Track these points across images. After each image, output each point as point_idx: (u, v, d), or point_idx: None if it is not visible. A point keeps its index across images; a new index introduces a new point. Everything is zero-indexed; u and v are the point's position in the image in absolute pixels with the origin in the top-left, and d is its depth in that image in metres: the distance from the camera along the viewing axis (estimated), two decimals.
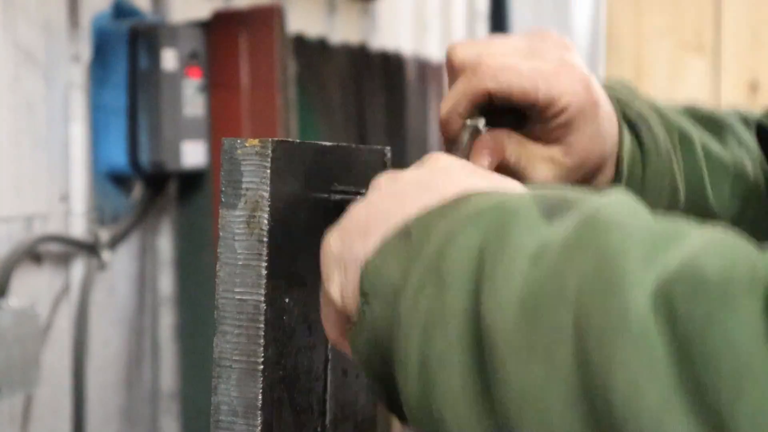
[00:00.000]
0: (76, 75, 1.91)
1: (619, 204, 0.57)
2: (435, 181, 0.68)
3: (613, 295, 0.51)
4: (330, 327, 0.72)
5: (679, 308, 0.50)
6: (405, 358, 0.60)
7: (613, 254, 0.53)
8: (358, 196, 0.80)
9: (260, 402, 0.74)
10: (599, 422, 0.51)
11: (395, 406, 0.66)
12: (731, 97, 4.44)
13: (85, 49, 1.93)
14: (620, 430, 0.50)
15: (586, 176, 0.89)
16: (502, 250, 0.58)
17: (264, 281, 0.74)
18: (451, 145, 0.89)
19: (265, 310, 0.74)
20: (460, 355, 0.58)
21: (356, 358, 0.67)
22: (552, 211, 0.59)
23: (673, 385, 0.49)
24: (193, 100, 2.02)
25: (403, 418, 0.66)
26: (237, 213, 0.74)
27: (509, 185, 0.68)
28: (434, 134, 3.23)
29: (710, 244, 0.52)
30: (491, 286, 0.57)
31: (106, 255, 1.93)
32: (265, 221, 0.73)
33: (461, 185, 0.66)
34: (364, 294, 0.64)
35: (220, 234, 0.74)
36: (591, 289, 0.52)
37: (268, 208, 0.73)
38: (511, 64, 0.85)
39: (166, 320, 2.16)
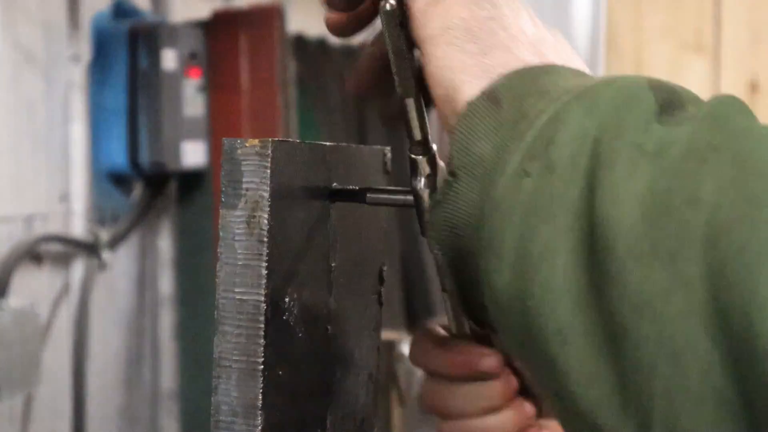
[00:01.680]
0: (76, 75, 1.91)
1: (736, 106, 0.53)
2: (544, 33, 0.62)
3: (760, 208, 0.47)
4: None
5: None
6: (499, 244, 0.54)
7: (755, 163, 0.48)
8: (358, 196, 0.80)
9: (260, 402, 0.74)
10: (730, 337, 0.47)
11: (466, 295, 0.61)
12: None
13: (85, 49, 1.93)
14: (757, 347, 0.46)
15: None
16: (622, 145, 0.52)
17: (264, 281, 0.74)
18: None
19: (265, 310, 0.74)
20: (568, 249, 0.52)
21: (432, 236, 0.61)
22: (670, 103, 0.54)
23: None
24: (193, 100, 2.02)
25: (472, 310, 0.60)
26: (237, 213, 0.74)
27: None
28: (434, 134, 3.23)
29: None
30: (610, 179, 0.51)
31: (106, 255, 1.94)
32: (265, 221, 0.73)
33: (559, 50, 0.61)
34: (451, 170, 0.59)
35: (220, 234, 0.74)
36: (733, 198, 0.48)
37: (268, 208, 0.73)
38: None
39: (166, 320, 2.16)
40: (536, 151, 0.54)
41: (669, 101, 0.54)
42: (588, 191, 0.52)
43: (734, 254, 0.47)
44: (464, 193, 0.58)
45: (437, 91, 0.63)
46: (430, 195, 0.63)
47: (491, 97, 0.58)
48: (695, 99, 0.55)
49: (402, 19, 0.65)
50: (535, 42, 0.62)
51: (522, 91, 0.57)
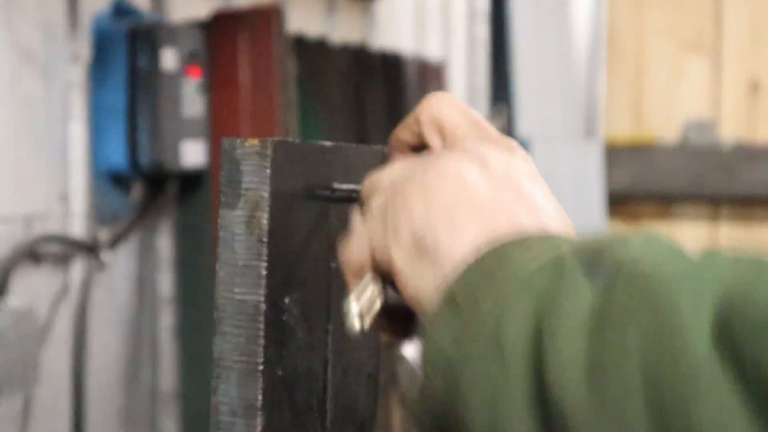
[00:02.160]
0: (75, 75, 1.91)
1: (650, 246, 0.59)
2: (500, 203, 0.68)
3: (675, 349, 0.52)
4: (354, 250, 0.72)
5: (743, 346, 0.51)
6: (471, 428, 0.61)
7: (664, 307, 0.54)
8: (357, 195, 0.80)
9: (260, 402, 0.73)
10: None
11: None
12: (732, 97, 4.44)
13: (85, 49, 1.93)
14: None
15: None
16: (557, 318, 0.58)
17: (264, 281, 0.73)
18: None
19: (265, 310, 0.73)
20: (529, 427, 0.58)
21: (420, 426, 0.68)
22: (593, 265, 0.60)
23: (750, 421, 0.50)
24: (192, 100, 2.02)
25: None
26: (237, 213, 0.74)
27: (550, 219, 0.70)
28: None
29: (747, 271, 0.54)
30: (553, 357, 0.58)
31: (105, 255, 1.93)
32: (265, 221, 0.73)
33: (506, 222, 0.67)
34: (423, 369, 0.66)
35: (220, 234, 0.74)
36: (653, 346, 0.53)
37: (268, 208, 0.73)
38: None
39: (166, 320, 2.16)
40: (489, 340, 0.61)
41: (595, 260, 0.60)
42: (537, 368, 0.58)
43: (668, 399, 0.52)
44: (436, 385, 0.65)
45: (420, 319, 0.69)
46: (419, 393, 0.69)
47: (448, 302, 0.65)
48: (618, 249, 0.61)
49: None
50: (481, 204, 0.68)
51: (474, 289, 0.64)
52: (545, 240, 0.65)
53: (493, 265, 0.64)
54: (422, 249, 0.68)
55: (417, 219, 0.68)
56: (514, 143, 0.74)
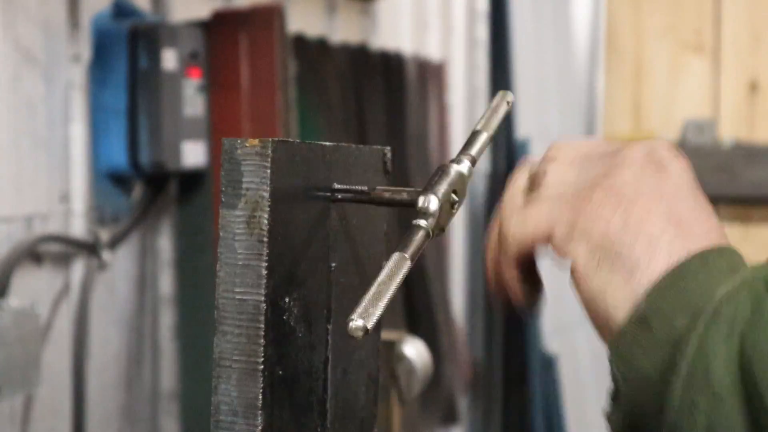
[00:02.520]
0: (76, 75, 1.91)
1: None
2: (678, 220, 0.71)
3: None
4: (530, 225, 0.74)
5: None
6: None
7: None
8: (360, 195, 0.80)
9: (260, 402, 0.73)
10: None
11: None
12: (731, 97, 4.44)
13: (85, 49, 1.93)
14: None
15: None
16: (765, 362, 0.62)
17: (264, 281, 0.73)
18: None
19: (265, 310, 0.74)
20: None
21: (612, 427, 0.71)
22: None
23: None
24: (193, 100, 2.02)
25: None
26: (237, 213, 0.74)
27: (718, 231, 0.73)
28: (434, 134, 3.23)
29: None
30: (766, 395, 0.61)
31: (106, 255, 1.93)
32: (265, 221, 0.73)
33: (691, 241, 0.70)
34: (614, 377, 0.68)
35: (220, 234, 0.74)
36: None
37: (268, 208, 0.73)
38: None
39: (166, 320, 2.16)
40: (699, 385, 0.64)
41: None
42: (751, 405, 0.62)
43: None
44: (634, 400, 0.67)
45: (590, 314, 0.72)
46: (610, 398, 0.71)
47: (640, 321, 0.67)
48: None
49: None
50: (673, 223, 0.71)
51: (667, 309, 0.67)
52: (728, 258, 0.69)
53: (682, 282, 0.67)
54: (614, 255, 0.70)
55: (613, 228, 0.70)
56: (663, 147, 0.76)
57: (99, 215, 1.98)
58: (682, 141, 4.43)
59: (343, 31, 2.79)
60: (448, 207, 0.78)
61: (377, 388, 0.89)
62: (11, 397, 1.74)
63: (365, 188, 0.81)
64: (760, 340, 0.62)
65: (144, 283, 2.13)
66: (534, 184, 0.77)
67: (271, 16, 2.12)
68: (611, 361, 0.68)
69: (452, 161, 0.83)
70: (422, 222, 0.77)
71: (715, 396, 0.63)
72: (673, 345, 0.65)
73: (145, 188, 2.06)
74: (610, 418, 0.69)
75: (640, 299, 0.68)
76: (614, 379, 0.68)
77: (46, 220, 1.85)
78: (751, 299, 0.64)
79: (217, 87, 2.09)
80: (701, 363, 0.64)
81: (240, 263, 0.74)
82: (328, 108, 2.50)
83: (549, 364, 3.65)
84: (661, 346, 0.66)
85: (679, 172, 0.75)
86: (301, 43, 2.39)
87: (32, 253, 1.81)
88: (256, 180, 0.73)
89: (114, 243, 1.97)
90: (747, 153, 4.34)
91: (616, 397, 0.68)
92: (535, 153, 3.75)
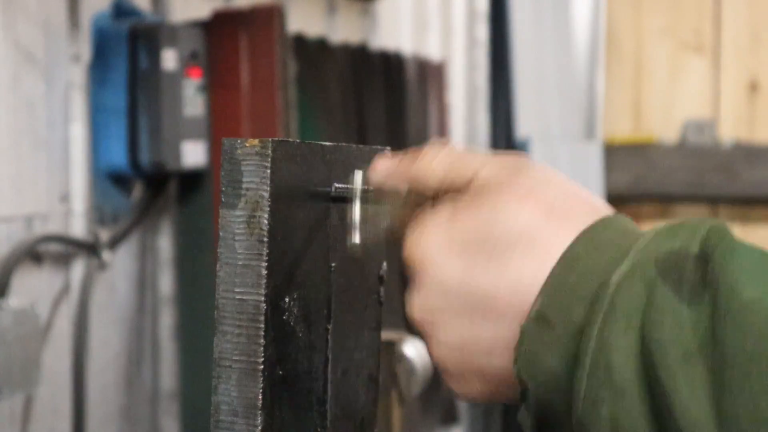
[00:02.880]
0: (76, 75, 1.91)
1: (745, 264, 0.62)
2: (542, 224, 0.69)
3: None
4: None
5: None
6: None
7: None
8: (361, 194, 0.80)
9: (260, 402, 0.73)
10: None
11: None
12: (731, 97, 4.44)
13: (85, 49, 1.93)
14: None
15: None
16: (665, 349, 0.62)
17: (264, 281, 0.73)
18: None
19: (265, 310, 0.74)
20: None
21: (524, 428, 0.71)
22: (681, 280, 0.63)
23: None
24: (193, 100, 2.02)
25: None
26: (237, 213, 0.74)
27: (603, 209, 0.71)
28: (434, 134, 3.23)
29: None
30: (672, 391, 0.61)
31: (106, 255, 1.93)
32: (265, 221, 0.73)
33: (572, 227, 0.69)
34: (521, 379, 0.68)
35: (220, 234, 0.74)
36: None
37: (268, 208, 0.73)
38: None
39: (166, 320, 2.16)
40: (600, 379, 0.63)
41: (684, 280, 0.63)
42: (651, 401, 0.62)
43: None
44: (541, 399, 0.67)
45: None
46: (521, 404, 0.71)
47: (539, 318, 0.67)
48: (711, 269, 0.64)
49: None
50: (546, 215, 0.70)
51: (563, 302, 0.66)
52: (615, 228, 0.68)
53: (575, 272, 0.67)
54: (472, 308, 0.70)
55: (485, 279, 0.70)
56: (514, 155, 0.75)
57: (99, 215, 1.98)
58: (682, 141, 4.43)
59: (343, 31, 2.79)
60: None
61: (377, 388, 0.89)
62: (11, 397, 1.74)
63: (369, 187, 0.81)
64: (656, 332, 0.62)
65: (144, 283, 2.13)
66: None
67: (271, 16, 2.12)
68: (516, 365, 0.68)
69: None
70: None
71: (617, 389, 0.63)
72: (574, 338, 0.65)
73: (145, 188, 2.06)
74: (522, 420, 0.69)
75: (536, 297, 0.67)
76: (521, 382, 0.68)
77: (46, 220, 1.85)
78: (643, 285, 0.64)
79: (217, 87, 2.09)
80: (602, 356, 0.63)
81: (240, 263, 0.74)
82: (328, 108, 2.50)
83: None
84: (563, 340, 0.66)
85: (527, 172, 0.72)
86: (301, 43, 2.39)
87: (32, 253, 1.81)
88: (256, 180, 0.73)
89: (114, 243, 1.97)
90: (747, 153, 4.34)
91: (524, 398, 0.68)
92: (535, 153, 3.75)
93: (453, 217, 0.71)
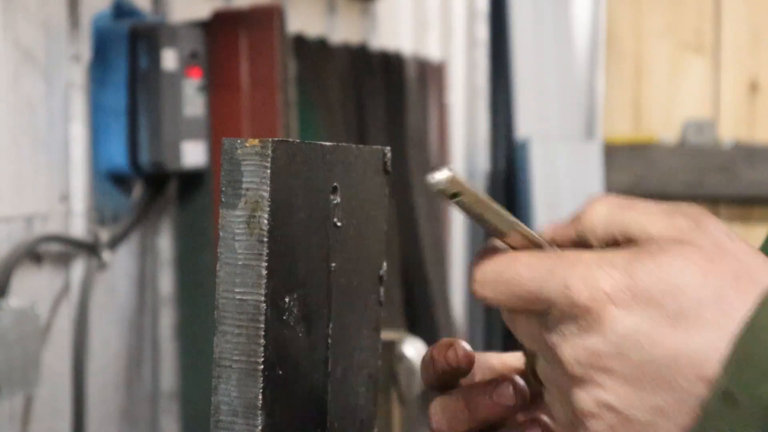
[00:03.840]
0: (76, 75, 1.91)
1: None
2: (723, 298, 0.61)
3: None
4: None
5: None
6: None
7: None
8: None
9: (260, 402, 0.74)
10: None
11: None
12: (731, 97, 4.44)
13: (85, 49, 1.93)
14: None
15: None
16: None
17: (264, 281, 0.73)
18: None
19: (265, 310, 0.74)
20: None
21: None
22: None
23: None
24: (193, 100, 2.02)
25: None
26: (237, 213, 0.74)
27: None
28: (434, 134, 3.23)
29: None
30: None
31: (106, 255, 1.94)
32: (265, 221, 0.73)
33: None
34: None
35: (220, 234, 0.74)
36: None
37: (268, 208, 0.73)
38: None
39: (166, 320, 2.16)
40: None
41: None
42: None
43: None
44: None
45: None
46: None
47: (725, 396, 0.60)
48: None
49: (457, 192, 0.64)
50: (729, 280, 0.61)
51: (750, 378, 0.59)
52: None
53: (761, 344, 0.59)
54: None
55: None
56: (692, 210, 0.66)
57: (99, 215, 1.98)
58: (682, 141, 4.43)
59: (343, 31, 2.79)
60: None
61: (377, 388, 0.89)
62: (11, 397, 1.74)
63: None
64: None
65: (144, 283, 2.13)
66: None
67: (271, 16, 2.12)
68: None
69: None
70: None
71: None
72: (762, 419, 0.59)
73: (145, 188, 2.06)
74: None
75: (718, 374, 0.60)
76: None
77: (46, 220, 1.85)
78: None
79: (217, 87, 2.09)
80: None
81: (240, 263, 0.74)
82: (328, 108, 2.50)
83: None
84: (751, 421, 0.59)
85: (706, 228, 0.64)
86: (301, 43, 2.39)
87: (32, 253, 1.82)
88: (256, 180, 0.73)
89: (114, 243, 1.97)
90: (747, 153, 4.34)
91: None
92: (535, 153, 3.75)
93: (633, 265, 0.62)
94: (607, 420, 0.62)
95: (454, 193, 0.63)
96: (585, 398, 0.63)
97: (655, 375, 0.61)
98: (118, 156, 1.97)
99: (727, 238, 0.63)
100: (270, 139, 0.73)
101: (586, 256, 0.63)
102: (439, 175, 0.64)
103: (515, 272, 0.65)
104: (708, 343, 0.60)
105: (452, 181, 0.63)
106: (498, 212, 0.66)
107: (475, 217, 0.66)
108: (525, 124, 3.87)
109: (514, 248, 0.68)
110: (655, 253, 0.62)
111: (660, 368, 0.61)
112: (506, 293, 0.65)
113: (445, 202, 0.65)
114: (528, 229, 0.68)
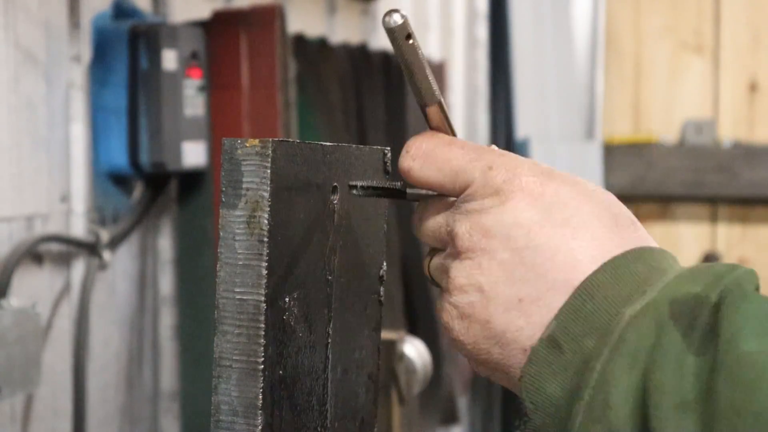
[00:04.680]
0: (76, 75, 1.91)
1: (759, 318, 0.61)
2: (552, 248, 0.68)
3: None
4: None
5: None
6: None
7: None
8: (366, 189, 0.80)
9: (260, 402, 0.74)
10: None
11: None
12: (730, 97, 4.44)
13: (86, 50, 1.93)
14: None
15: None
16: (662, 392, 0.60)
17: (264, 281, 0.74)
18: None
19: (265, 310, 0.74)
20: None
21: None
22: (693, 326, 0.62)
23: None
24: (193, 101, 2.02)
25: None
26: (237, 213, 0.74)
27: (641, 237, 0.69)
28: None
29: None
30: None
31: (106, 255, 1.94)
32: (265, 221, 0.73)
33: (587, 259, 0.67)
34: (524, 406, 0.67)
35: (221, 234, 0.75)
36: None
37: (268, 208, 0.74)
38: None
39: (166, 320, 2.16)
40: (597, 414, 0.63)
41: (694, 324, 0.62)
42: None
43: None
44: (540, 424, 0.67)
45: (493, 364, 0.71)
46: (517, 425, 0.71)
47: (550, 342, 0.66)
48: (720, 312, 0.62)
49: (408, 34, 0.69)
50: (574, 227, 0.68)
51: (576, 329, 0.65)
52: (647, 261, 0.66)
53: (592, 301, 0.65)
54: (513, 281, 0.68)
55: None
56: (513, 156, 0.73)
57: (99, 215, 1.98)
58: (682, 141, 4.43)
59: (343, 31, 2.79)
60: None
61: (377, 388, 0.89)
62: (11, 397, 1.74)
63: (365, 182, 0.81)
64: (657, 376, 0.61)
65: (144, 282, 2.13)
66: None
67: (271, 16, 2.12)
68: (521, 383, 0.67)
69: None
70: None
71: (611, 427, 0.62)
72: (580, 369, 0.64)
73: (146, 188, 2.06)
74: None
75: (551, 320, 0.66)
76: (524, 408, 0.67)
77: (46, 220, 1.86)
78: (654, 326, 0.62)
79: (217, 87, 2.10)
80: (602, 392, 0.62)
81: (240, 263, 0.74)
82: (328, 108, 2.50)
83: None
84: (569, 369, 0.65)
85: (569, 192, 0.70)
86: (301, 43, 2.39)
87: (33, 253, 1.82)
88: (256, 180, 0.74)
89: (114, 243, 1.97)
90: (746, 153, 4.34)
91: (524, 427, 0.67)
92: (535, 153, 3.75)
93: (551, 173, 0.71)
94: (471, 297, 0.69)
95: (408, 35, 0.70)
96: (461, 272, 0.69)
97: (531, 264, 0.67)
98: (118, 156, 1.97)
99: (601, 190, 0.71)
100: (270, 140, 0.73)
101: (514, 156, 0.71)
102: (397, 15, 0.70)
103: (449, 150, 0.72)
104: (583, 251, 0.66)
105: (407, 23, 0.69)
106: (431, 80, 0.73)
107: (410, 74, 0.73)
108: (525, 124, 3.87)
109: (428, 122, 0.77)
110: (564, 173, 0.70)
111: (536, 257, 0.67)
112: (434, 168, 0.72)
113: (396, 43, 0.71)
114: (448, 114, 0.76)
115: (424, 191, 0.77)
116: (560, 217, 0.68)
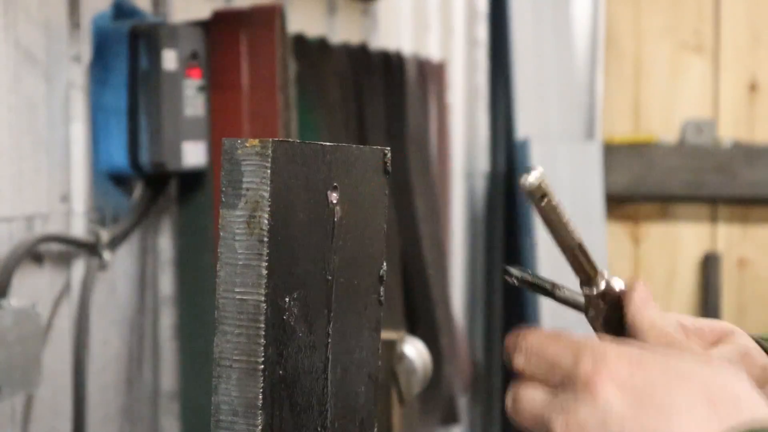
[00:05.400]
0: (76, 75, 1.91)
1: None
2: (687, 406, 0.68)
3: None
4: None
5: None
6: None
7: None
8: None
9: (260, 402, 0.74)
10: None
11: None
12: (730, 97, 4.44)
13: (86, 50, 1.93)
14: None
15: None
16: None
17: (264, 281, 0.74)
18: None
19: (266, 310, 0.74)
20: None
21: None
22: None
23: None
24: (193, 101, 2.02)
25: None
26: (237, 213, 0.74)
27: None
28: (434, 134, 3.23)
29: None
30: None
31: (106, 255, 1.94)
32: (265, 221, 0.74)
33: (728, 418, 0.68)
34: None
35: (221, 234, 0.75)
36: None
37: (268, 208, 0.74)
38: None
39: (166, 320, 2.16)
40: None
41: None
42: None
43: None
44: None
45: None
46: None
47: None
48: None
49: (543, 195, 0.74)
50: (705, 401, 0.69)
51: None
52: None
53: None
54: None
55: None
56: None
57: (99, 215, 1.98)
58: (682, 141, 4.43)
59: (343, 31, 2.79)
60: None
61: (377, 388, 0.89)
62: (12, 397, 1.74)
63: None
64: None
65: (144, 283, 2.13)
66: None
67: (272, 16, 2.12)
68: None
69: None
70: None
71: None
72: None
73: (146, 188, 2.06)
74: None
75: None
76: None
77: (46, 220, 1.86)
78: None
79: (217, 87, 2.09)
80: None
81: (240, 263, 0.74)
82: (328, 108, 2.51)
83: None
84: None
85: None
86: (301, 43, 2.39)
87: (33, 253, 1.82)
88: (256, 180, 0.74)
89: (114, 243, 1.97)
90: (746, 153, 4.34)
91: None
92: (535, 153, 3.75)
93: (641, 357, 0.71)
94: None
95: (542, 195, 0.71)
96: None
97: None
98: (118, 156, 1.97)
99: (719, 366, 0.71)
100: (270, 140, 0.73)
101: (604, 343, 0.73)
102: (533, 176, 0.71)
103: (549, 346, 0.74)
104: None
105: (543, 183, 0.70)
106: (570, 229, 0.75)
107: (549, 224, 0.74)
108: (525, 124, 3.87)
109: (571, 262, 0.79)
110: (660, 353, 0.72)
111: None
112: (536, 362, 0.74)
113: (531, 203, 0.75)
114: (588, 253, 0.79)
115: (571, 299, 0.82)
116: (652, 405, 0.69)
